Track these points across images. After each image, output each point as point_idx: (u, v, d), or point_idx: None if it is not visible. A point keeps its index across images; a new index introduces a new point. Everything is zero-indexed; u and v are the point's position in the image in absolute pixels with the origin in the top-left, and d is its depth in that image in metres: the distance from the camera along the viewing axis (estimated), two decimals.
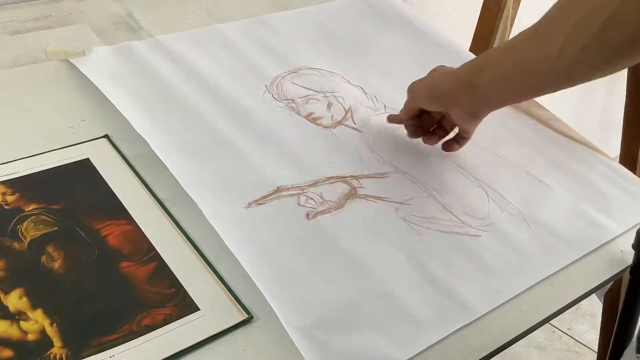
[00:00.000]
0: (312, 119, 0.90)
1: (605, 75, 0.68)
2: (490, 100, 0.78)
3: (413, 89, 0.84)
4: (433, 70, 0.84)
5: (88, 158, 0.79)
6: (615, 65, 0.66)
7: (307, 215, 0.77)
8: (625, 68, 0.70)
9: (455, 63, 1.04)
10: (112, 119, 0.83)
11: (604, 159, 0.93)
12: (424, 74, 1.01)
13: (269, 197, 0.78)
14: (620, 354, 1.23)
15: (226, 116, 0.87)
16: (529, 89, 0.75)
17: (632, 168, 1.30)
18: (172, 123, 0.84)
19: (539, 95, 0.77)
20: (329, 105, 0.93)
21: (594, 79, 0.69)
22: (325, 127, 0.89)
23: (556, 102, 1.61)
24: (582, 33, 0.64)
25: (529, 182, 0.86)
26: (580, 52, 0.65)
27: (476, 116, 0.81)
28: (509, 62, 0.73)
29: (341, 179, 0.82)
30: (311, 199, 0.79)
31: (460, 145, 0.86)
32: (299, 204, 0.78)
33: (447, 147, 0.87)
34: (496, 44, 1.39)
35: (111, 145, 0.81)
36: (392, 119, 0.88)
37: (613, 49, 0.64)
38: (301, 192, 0.79)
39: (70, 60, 0.90)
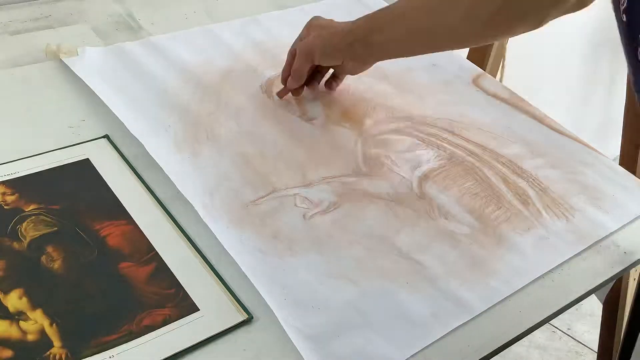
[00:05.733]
0: (307, 118, 0.90)
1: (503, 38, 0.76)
2: (384, 55, 0.87)
3: (305, 49, 0.87)
4: (315, 27, 0.88)
5: (88, 158, 0.79)
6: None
7: (304, 215, 0.77)
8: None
9: (445, 60, 1.04)
10: (112, 119, 0.83)
11: (596, 155, 0.92)
12: (416, 73, 1.01)
13: (265, 198, 0.78)
14: (629, 357, 1.24)
15: (221, 117, 0.87)
16: (423, 49, 0.86)
17: (632, 168, 1.30)
18: (166, 123, 0.84)
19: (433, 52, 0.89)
20: (324, 104, 0.93)
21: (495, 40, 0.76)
22: (320, 126, 0.89)
23: (556, 102, 1.61)
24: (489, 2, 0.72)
25: (523, 178, 0.86)
26: (489, 18, 0.73)
27: (369, 64, 0.89)
28: (402, 28, 0.79)
29: (337, 178, 0.82)
30: (307, 199, 0.79)
31: (338, 84, 0.93)
32: (296, 205, 0.78)
33: (330, 86, 0.93)
34: (496, 44, 1.39)
35: (111, 145, 0.81)
36: (282, 93, 0.90)
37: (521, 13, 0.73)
38: (297, 192, 0.79)
39: (63, 60, 0.90)
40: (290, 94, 0.90)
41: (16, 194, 0.73)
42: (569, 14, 0.76)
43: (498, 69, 1.42)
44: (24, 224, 0.70)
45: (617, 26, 0.62)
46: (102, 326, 0.62)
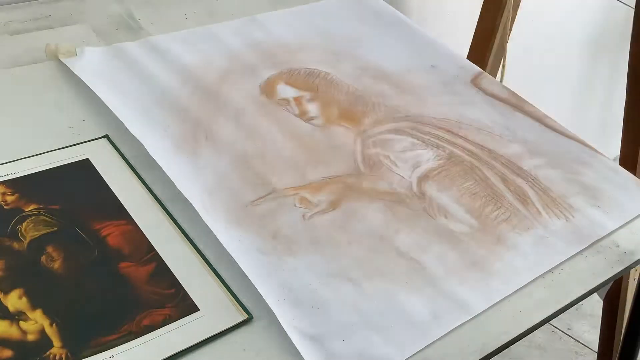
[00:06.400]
0: (306, 118, 0.90)
1: None
2: None
3: None
4: None
5: (88, 158, 0.79)
6: None
7: (303, 216, 0.77)
8: None
9: (445, 61, 1.04)
10: (112, 119, 0.83)
11: (596, 155, 0.92)
12: (416, 74, 1.01)
13: (265, 198, 0.78)
14: (629, 357, 1.24)
15: (220, 117, 0.87)
16: None
17: (632, 168, 1.30)
18: (165, 123, 0.84)
19: None
20: (323, 104, 0.93)
21: None
22: (320, 126, 0.89)
23: (557, 103, 1.61)
24: None
25: (523, 178, 0.86)
26: None
27: None
28: None
29: (336, 178, 0.82)
30: (307, 199, 0.79)
31: None
32: (295, 205, 0.78)
33: None
34: (496, 44, 1.39)
35: (111, 145, 0.81)
36: None
37: None
38: (297, 192, 0.79)
39: (62, 60, 0.90)
40: None
41: (16, 194, 0.73)
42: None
43: (498, 68, 1.41)
44: (24, 224, 0.70)
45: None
46: (102, 326, 0.63)
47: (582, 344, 1.88)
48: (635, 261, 0.80)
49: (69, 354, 0.60)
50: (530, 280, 0.75)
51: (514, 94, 1.00)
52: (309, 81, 0.96)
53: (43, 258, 0.67)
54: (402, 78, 1.00)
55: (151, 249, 0.70)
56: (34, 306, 0.63)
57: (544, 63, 1.96)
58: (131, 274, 0.67)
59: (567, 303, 0.74)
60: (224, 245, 0.71)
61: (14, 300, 0.63)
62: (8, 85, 0.87)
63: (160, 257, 0.69)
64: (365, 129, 0.90)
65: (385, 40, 1.07)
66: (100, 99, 0.85)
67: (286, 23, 1.05)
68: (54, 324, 0.62)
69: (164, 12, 1.04)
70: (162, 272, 0.68)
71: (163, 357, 0.61)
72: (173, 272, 0.68)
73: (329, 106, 0.93)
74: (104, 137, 0.82)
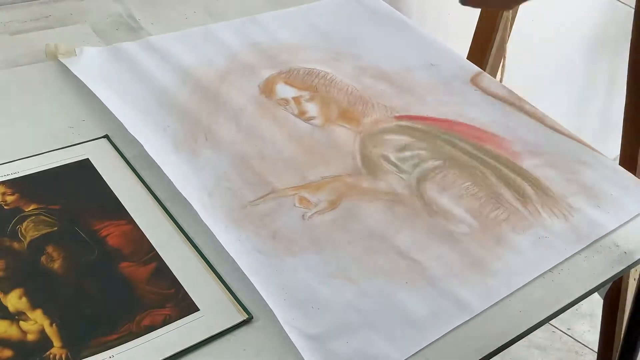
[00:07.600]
0: (305, 118, 0.90)
1: None
2: None
3: None
4: None
5: (88, 158, 0.79)
6: None
7: (303, 216, 0.77)
8: None
9: (445, 60, 1.04)
10: (112, 119, 0.83)
11: (595, 155, 0.92)
12: (415, 73, 1.01)
13: (264, 198, 0.78)
14: (629, 356, 1.24)
15: (219, 117, 0.87)
16: None
17: (632, 168, 1.30)
18: (165, 123, 0.84)
19: None
20: (322, 104, 0.93)
21: None
22: (319, 126, 0.89)
23: (557, 102, 1.61)
24: None
25: (522, 178, 0.86)
26: None
27: None
28: None
29: (336, 178, 0.82)
30: (306, 199, 0.79)
31: None
32: (295, 205, 0.78)
33: None
34: (496, 44, 1.39)
35: (111, 145, 0.81)
36: None
37: None
38: (296, 192, 0.79)
39: (61, 60, 0.90)
40: None
41: (16, 194, 0.73)
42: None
43: (498, 68, 1.42)
44: (24, 224, 0.70)
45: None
46: (102, 326, 0.63)
47: (582, 344, 1.88)
48: (635, 261, 0.80)
49: (69, 354, 0.60)
50: (530, 280, 0.75)
51: (513, 93, 1.00)
52: (308, 81, 0.96)
53: (43, 258, 0.67)
54: (402, 78, 1.00)
55: (151, 249, 0.70)
56: (34, 306, 0.63)
57: (543, 63, 1.96)
58: (131, 274, 0.67)
59: (567, 303, 0.74)
60: (224, 246, 0.71)
61: (14, 300, 0.63)
62: (8, 85, 0.87)
63: (160, 257, 0.69)
64: (365, 128, 0.90)
65: (385, 40, 1.07)
66: (100, 99, 0.85)
67: (286, 23, 1.05)
68: (54, 324, 0.62)
69: (164, 12, 1.04)
70: (162, 272, 0.68)
71: (163, 357, 0.61)
72: (173, 272, 0.68)
73: (328, 106, 0.93)
74: (104, 137, 0.82)
